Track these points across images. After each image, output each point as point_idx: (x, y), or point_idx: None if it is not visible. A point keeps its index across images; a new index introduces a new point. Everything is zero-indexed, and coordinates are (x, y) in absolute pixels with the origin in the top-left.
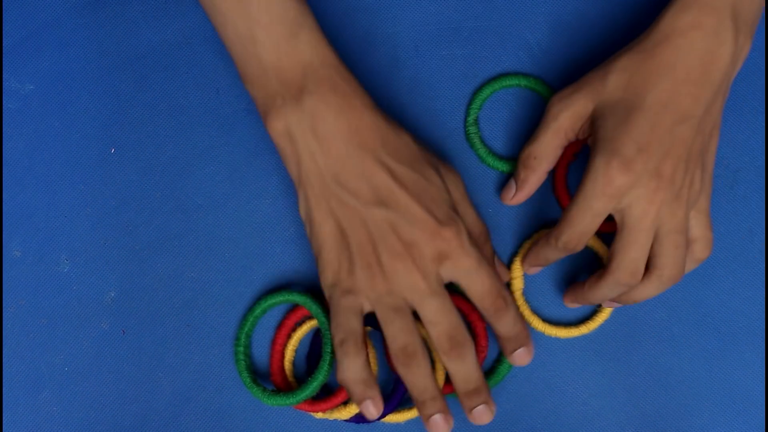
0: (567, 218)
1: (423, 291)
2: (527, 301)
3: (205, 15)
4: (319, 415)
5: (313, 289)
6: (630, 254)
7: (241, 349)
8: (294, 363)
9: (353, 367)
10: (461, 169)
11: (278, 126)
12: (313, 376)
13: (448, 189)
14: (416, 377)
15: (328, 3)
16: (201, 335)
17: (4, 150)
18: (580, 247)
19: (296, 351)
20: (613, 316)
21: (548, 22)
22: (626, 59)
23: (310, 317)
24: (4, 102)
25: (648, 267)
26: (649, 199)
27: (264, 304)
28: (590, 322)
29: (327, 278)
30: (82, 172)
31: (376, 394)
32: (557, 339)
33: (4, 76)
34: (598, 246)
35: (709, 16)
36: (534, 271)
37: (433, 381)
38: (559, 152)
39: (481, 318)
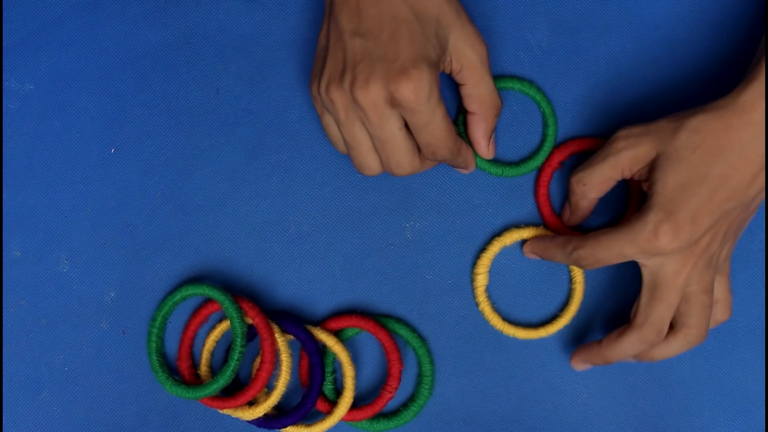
0: (596, 241)
1: (373, 124)
2: (489, 297)
3: (206, 15)
4: (226, 411)
5: (314, 291)
6: (658, 311)
7: (155, 330)
8: (213, 353)
9: (369, 161)
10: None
11: None
12: (215, 376)
13: (453, 49)
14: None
15: None
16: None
17: (4, 150)
18: (589, 268)
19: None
20: (612, 316)
21: (548, 22)
22: (702, 121)
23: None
24: (4, 102)
25: (673, 326)
26: (683, 262)
27: (184, 292)
28: (549, 326)
29: (311, 87)
30: (82, 172)
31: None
32: (557, 339)
33: (4, 76)
34: None
35: None
36: (532, 256)
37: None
38: (610, 185)
39: (400, 361)
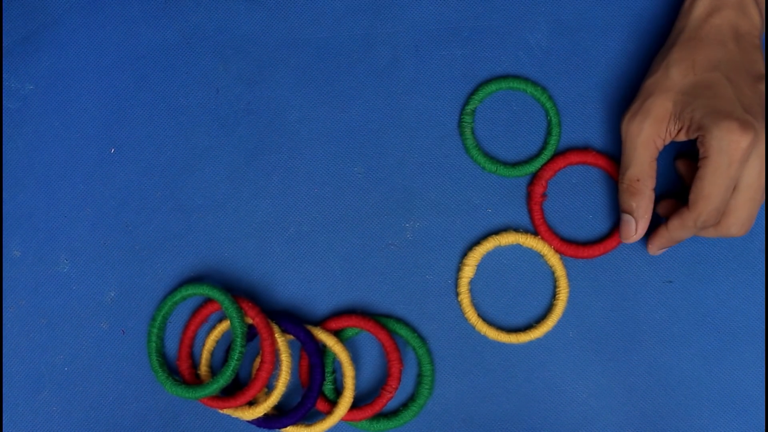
0: (702, 196)
1: None
2: (470, 290)
3: (206, 15)
4: (226, 411)
5: (314, 291)
6: (717, 187)
7: (155, 330)
8: (213, 353)
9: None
10: (458, 169)
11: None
12: (215, 376)
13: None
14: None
15: (329, 3)
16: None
17: (4, 150)
18: (718, 227)
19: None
20: (612, 316)
21: (548, 22)
22: (677, 51)
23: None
24: (4, 102)
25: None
26: (761, 154)
27: (184, 292)
28: (522, 334)
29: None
30: (82, 172)
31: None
32: (557, 339)
33: (4, 76)
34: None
35: None
36: (659, 252)
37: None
38: (655, 165)
39: (400, 360)
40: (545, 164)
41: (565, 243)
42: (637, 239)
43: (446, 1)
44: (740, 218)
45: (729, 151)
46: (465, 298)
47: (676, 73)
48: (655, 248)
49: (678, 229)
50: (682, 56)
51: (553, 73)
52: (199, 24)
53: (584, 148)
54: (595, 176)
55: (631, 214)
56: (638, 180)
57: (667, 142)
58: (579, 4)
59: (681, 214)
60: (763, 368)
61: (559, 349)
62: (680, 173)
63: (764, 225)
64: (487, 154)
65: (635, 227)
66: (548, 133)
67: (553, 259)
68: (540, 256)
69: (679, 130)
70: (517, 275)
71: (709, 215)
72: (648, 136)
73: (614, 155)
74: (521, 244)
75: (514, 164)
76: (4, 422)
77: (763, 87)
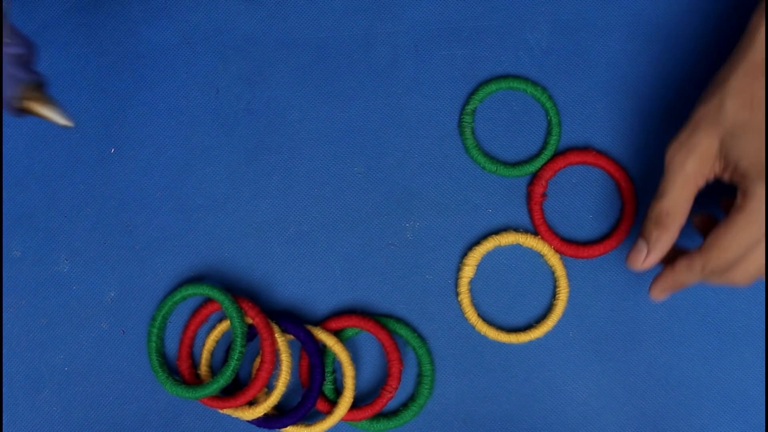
0: (719, 245)
1: None
2: (470, 290)
3: (206, 15)
4: (226, 411)
5: (314, 291)
6: (738, 241)
7: (155, 330)
8: (213, 353)
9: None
10: (458, 169)
11: None
12: (215, 376)
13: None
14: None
15: (328, 3)
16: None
17: (4, 150)
18: (724, 277)
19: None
20: (612, 316)
21: (548, 22)
22: (737, 80)
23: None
24: None
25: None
26: None
27: (184, 292)
28: (522, 334)
29: None
30: (82, 172)
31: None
32: (557, 339)
33: None
34: None
35: None
36: (664, 297)
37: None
38: (691, 203)
39: (400, 360)
40: (545, 164)
41: (565, 243)
42: (641, 270)
43: (446, 1)
44: (748, 271)
45: (762, 211)
46: (465, 298)
47: (731, 107)
48: (658, 290)
49: (684, 271)
50: (741, 87)
51: (553, 73)
52: (199, 24)
53: (584, 148)
54: (595, 176)
55: (647, 242)
56: (668, 214)
57: (711, 180)
58: (579, 4)
59: (691, 257)
60: (763, 368)
61: (559, 349)
62: (695, 226)
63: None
64: (487, 154)
65: (645, 257)
66: (548, 133)
67: (553, 259)
68: (540, 255)
69: (723, 170)
70: (517, 275)
71: (719, 266)
72: (690, 174)
73: (614, 155)
74: (521, 244)
75: (514, 164)
76: (4, 422)
77: None
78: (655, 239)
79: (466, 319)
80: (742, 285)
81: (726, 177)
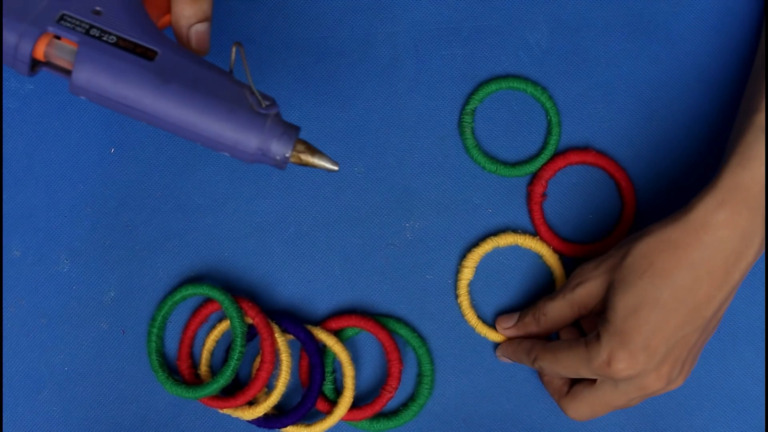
0: (554, 358)
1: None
2: (470, 292)
3: None
4: (226, 411)
5: (314, 291)
6: (600, 405)
7: (155, 330)
8: (213, 353)
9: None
10: (458, 169)
11: None
12: (215, 376)
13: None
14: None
15: (328, 3)
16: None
17: (4, 150)
18: (552, 375)
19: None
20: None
21: (548, 22)
22: (648, 243)
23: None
24: (4, 102)
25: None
26: (639, 386)
27: (184, 292)
28: None
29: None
30: (82, 172)
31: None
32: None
33: (4, 76)
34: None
35: (743, 217)
36: (504, 360)
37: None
38: (569, 321)
39: (400, 360)
40: (545, 164)
41: (565, 243)
42: (499, 331)
43: (446, 1)
44: (579, 412)
45: (600, 363)
46: (464, 301)
47: (631, 265)
48: (500, 352)
49: (522, 352)
50: (647, 252)
51: (553, 73)
52: None
53: (584, 148)
54: (595, 176)
55: (520, 319)
56: (545, 315)
57: (594, 311)
58: (579, 4)
59: (533, 344)
60: (763, 368)
61: None
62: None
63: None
64: (487, 154)
65: (508, 327)
66: (548, 133)
67: (552, 260)
68: (539, 256)
69: (600, 309)
70: (516, 276)
71: (546, 370)
72: (575, 300)
73: (614, 155)
74: (520, 245)
75: (514, 164)
76: (4, 422)
77: (690, 332)
78: (525, 323)
79: (466, 321)
80: (573, 418)
81: (597, 311)
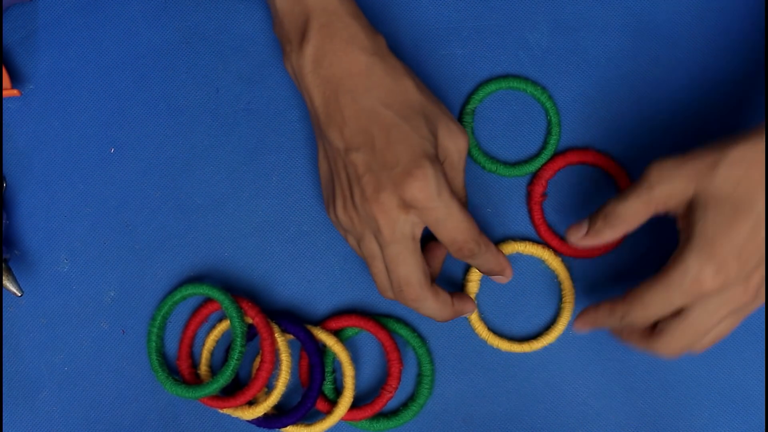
0: (640, 300)
1: (384, 237)
2: (478, 306)
3: (206, 15)
4: (226, 411)
5: (314, 291)
6: (684, 332)
7: (155, 330)
8: (213, 353)
9: (382, 277)
10: None
11: (288, 68)
12: (215, 376)
13: (439, 143)
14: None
15: None
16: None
17: (4, 150)
18: (644, 327)
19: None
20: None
21: (548, 22)
22: (741, 151)
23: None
24: (4, 102)
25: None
26: (727, 299)
27: (184, 292)
28: (534, 341)
29: (328, 214)
30: (82, 172)
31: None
32: (557, 339)
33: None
34: (560, 270)
35: None
36: (586, 330)
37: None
38: (644, 221)
39: (400, 360)
40: (545, 164)
41: (565, 243)
42: (573, 244)
43: (446, 1)
44: (671, 346)
45: (689, 281)
46: (473, 314)
47: (722, 174)
48: (580, 323)
49: (605, 315)
50: (740, 160)
51: (553, 73)
52: (199, 24)
53: (584, 148)
54: (595, 176)
55: (590, 227)
56: (618, 217)
57: (670, 214)
58: (579, 4)
59: (614, 303)
60: (763, 368)
61: (559, 349)
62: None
63: (764, 225)
64: (486, 154)
65: (582, 237)
66: (548, 133)
67: (555, 263)
68: (541, 261)
69: (682, 216)
70: (520, 283)
71: (637, 321)
72: (654, 199)
73: (614, 155)
74: (521, 252)
75: (514, 164)
76: (4, 422)
77: None
78: (598, 229)
79: (477, 334)
80: (666, 358)
81: (679, 224)
